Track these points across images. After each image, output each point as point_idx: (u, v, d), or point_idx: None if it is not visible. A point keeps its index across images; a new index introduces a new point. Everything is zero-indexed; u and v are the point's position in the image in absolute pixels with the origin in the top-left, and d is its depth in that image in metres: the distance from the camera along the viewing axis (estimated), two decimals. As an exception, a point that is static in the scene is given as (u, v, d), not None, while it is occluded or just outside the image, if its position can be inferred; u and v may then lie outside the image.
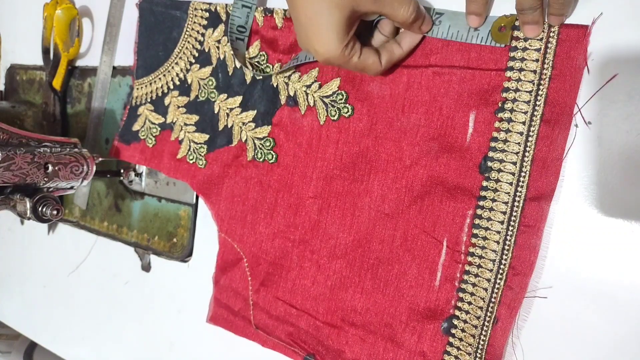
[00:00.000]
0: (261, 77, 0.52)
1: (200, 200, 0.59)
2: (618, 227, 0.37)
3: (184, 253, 0.61)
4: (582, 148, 0.38)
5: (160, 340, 0.64)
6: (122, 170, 0.65)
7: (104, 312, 0.71)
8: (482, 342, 0.41)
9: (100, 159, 0.62)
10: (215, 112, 0.55)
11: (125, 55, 0.66)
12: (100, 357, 0.72)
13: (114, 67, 0.68)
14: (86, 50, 0.72)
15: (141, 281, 0.66)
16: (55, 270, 0.77)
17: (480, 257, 0.41)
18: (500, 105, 0.40)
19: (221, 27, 0.55)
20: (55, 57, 0.71)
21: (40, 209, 0.57)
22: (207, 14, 0.56)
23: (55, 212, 0.57)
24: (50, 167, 0.57)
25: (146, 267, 0.65)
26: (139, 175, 0.65)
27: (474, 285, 0.41)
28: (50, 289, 0.79)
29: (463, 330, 0.42)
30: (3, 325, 0.91)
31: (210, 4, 0.56)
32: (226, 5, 0.54)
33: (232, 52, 0.53)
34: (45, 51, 0.73)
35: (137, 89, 0.62)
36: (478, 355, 0.41)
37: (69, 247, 0.75)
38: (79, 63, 0.73)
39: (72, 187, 0.61)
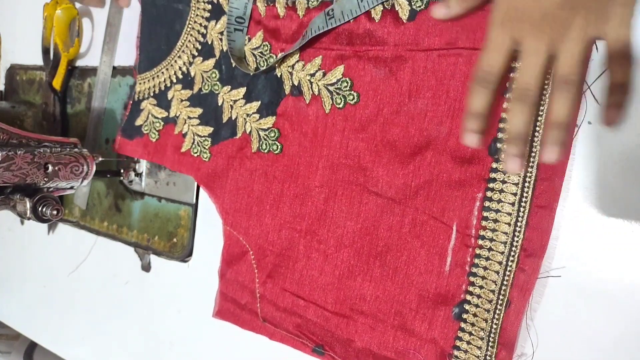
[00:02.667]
0: (251, 73, 0.52)
1: (201, 200, 0.59)
2: (617, 227, 0.37)
3: (184, 253, 0.60)
4: (582, 148, 0.38)
5: (160, 339, 0.64)
6: (122, 170, 0.64)
7: (104, 312, 0.70)
8: (495, 326, 0.40)
9: (100, 159, 0.62)
10: (219, 104, 0.55)
11: (125, 56, 0.66)
12: (100, 357, 0.72)
13: (113, 67, 0.68)
14: (86, 51, 0.72)
15: (141, 281, 0.65)
16: (56, 270, 0.77)
17: (491, 239, 0.41)
18: (508, 85, 0.39)
19: (224, 18, 0.54)
20: (55, 57, 0.71)
21: (40, 209, 0.57)
22: (209, 6, 0.56)
23: (55, 212, 0.57)
24: (50, 167, 0.57)
25: (146, 267, 0.65)
26: (139, 175, 0.65)
27: (485, 268, 0.41)
28: (50, 289, 0.78)
29: (475, 315, 0.41)
30: (3, 326, 0.90)
31: None
32: None
33: (228, 47, 0.53)
34: (45, 51, 0.73)
35: (140, 83, 0.62)
36: (491, 339, 0.41)
37: (69, 247, 0.75)
38: (79, 63, 0.73)
39: (72, 187, 0.61)
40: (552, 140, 0.34)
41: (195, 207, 0.60)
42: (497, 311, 0.40)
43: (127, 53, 0.66)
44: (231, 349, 0.57)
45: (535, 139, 0.39)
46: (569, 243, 0.39)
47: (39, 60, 0.75)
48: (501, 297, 0.40)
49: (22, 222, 0.83)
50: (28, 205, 0.56)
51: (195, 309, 0.59)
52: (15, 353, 1.03)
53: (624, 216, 0.36)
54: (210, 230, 0.58)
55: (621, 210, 0.37)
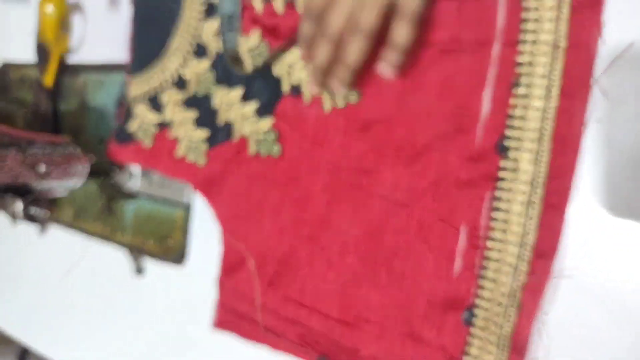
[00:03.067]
0: (248, 72, 0.51)
1: (195, 202, 0.59)
2: (627, 228, 0.36)
3: (179, 256, 0.60)
4: (591, 148, 0.38)
5: (154, 342, 0.63)
6: (116, 171, 0.64)
7: (97, 315, 0.70)
8: (506, 331, 0.40)
9: (93, 159, 0.62)
10: (215, 107, 0.54)
11: (119, 52, 0.65)
12: (94, 361, 0.71)
13: (108, 64, 0.67)
14: (77, 47, 0.71)
15: (135, 284, 0.65)
16: (48, 273, 0.76)
17: (501, 241, 0.40)
18: (515, 80, 0.39)
19: (218, 18, 0.53)
20: (47, 54, 0.70)
21: (31, 210, 0.57)
22: (204, 7, 0.55)
23: (46, 213, 0.57)
24: (43, 168, 0.57)
25: (140, 270, 0.64)
26: (132, 176, 0.64)
27: (495, 271, 0.40)
28: (42, 292, 0.78)
29: (486, 319, 0.40)
30: (-5, 329, 0.90)
31: None
32: None
33: (223, 48, 0.52)
34: (37, 48, 0.72)
35: (132, 87, 0.61)
36: (502, 343, 0.40)
37: (62, 249, 0.74)
38: (71, 60, 0.72)
39: (64, 188, 0.61)
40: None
41: (190, 209, 0.59)
42: (509, 314, 0.39)
43: (120, 49, 0.65)
44: (227, 352, 0.56)
45: (545, 134, 0.38)
46: (579, 245, 0.38)
47: (31, 58, 0.74)
48: (512, 299, 0.39)
49: (13, 223, 0.82)
50: (20, 206, 0.56)
51: (190, 311, 0.59)
52: (8, 357, 1.03)
53: (634, 217, 0.36)
54: (205, 233, 0.57)
55: (630, 212, 0.36)
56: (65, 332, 0.75)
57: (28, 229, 0.79)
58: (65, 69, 0.72)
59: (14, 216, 0.58)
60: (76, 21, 0.71)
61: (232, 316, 0.54)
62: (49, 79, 0.71)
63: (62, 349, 0.76)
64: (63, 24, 0.71)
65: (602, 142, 0.37)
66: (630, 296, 0.36)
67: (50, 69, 0.70)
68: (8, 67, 0.82)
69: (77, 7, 0.71)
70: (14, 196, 0.57)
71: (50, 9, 0.68)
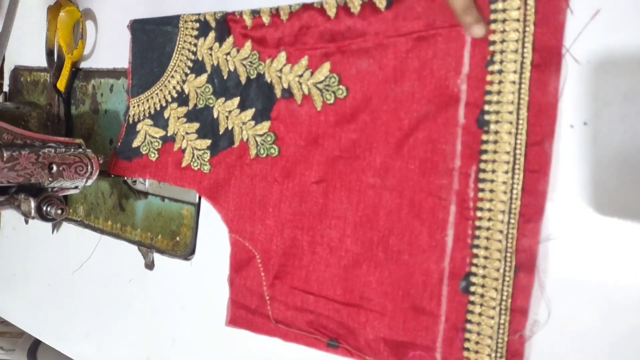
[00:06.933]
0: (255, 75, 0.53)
1: (203, 200, 0.60)
2: (614, 228, 0.37)
3: (187, 251, 0.61)
4: (578, 149, 0.38)
5: (163, 336, 0.64)
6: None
7: (107, 309, 0.71)
8: (505, 294, 0.40)
9: (104, 159, 0.63)
10: (215, 116, 0.56)
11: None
12: (104, 354, 0.72)
13: (118, 69, 0.68)
14: (90, 52, 0.73)
15: (144, 279, 0.66)
16: (60, 269, 0.77)
17: (490, 209, 0.41)
18: (489, 58, 0.40)
19: (212, 34, 0.56)
20: (59, 59, 0.72)
21: (44, 208, 0.58)
22: (197, 25, 0.57)
23: (59, 212, 0.58)
24: (55, 167, 0.58)
25: (149, 265, 0.65)
26: (142, 176, 0.66)
27: (487, 238, 0.41)
28: (54, 287, 0.79)
29: (483, 286, 0.41)
30: (7, 323, 0.91)
31: (199, 14, 0.57)
32: (214, 12, 0.55)
33: (225, 56, 0.54)
34: (49, 53, 0.73)
35: (134, 106, 0.63)
36: (503, 307, 0.40)
37: (73, 245, 0.75)
38: (83, 65, 0.73)
39: (76, 187, 0.61)
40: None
41: (197, 206, 0.60)
42: (506, 278, 0.40)
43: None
44: (233, 345, 0.57)
45: (521, 105, 0.40)
46: (567, 243, 0.39)
47: (42, 62, 0.75)
48: (508, 263, 0.40)
49: (26, 222, 0.83)
50: (32, 204, 0.57)
51: (198, 306, 0.60)
52: (19, 351, 1.04)
53: (620, 217, 0.37)
54: (212, 229, 0.58)
55: (617, 212, 0.37)
56: (76, 326, 0.75)
57: (40, 227, 0.80)
58: (78, 74, 0.74)
59: (27, 215, 0.58)
60: (88, 28, 0.73)
61: (243, 312, 0.55)
62: (62, 83, 0.72)
63: (73, 343, 0.77)
64: (76, 30, 0.72)
65: (589, 143, 0.38)
66: (618, 292, 0.37)
67: (64, 73, 0.72)
68: (19, 70, 0.83)
69: (89, 14, 0.73)
70: (27, 195, 0.57)
71: (64, 15, 0.70)
